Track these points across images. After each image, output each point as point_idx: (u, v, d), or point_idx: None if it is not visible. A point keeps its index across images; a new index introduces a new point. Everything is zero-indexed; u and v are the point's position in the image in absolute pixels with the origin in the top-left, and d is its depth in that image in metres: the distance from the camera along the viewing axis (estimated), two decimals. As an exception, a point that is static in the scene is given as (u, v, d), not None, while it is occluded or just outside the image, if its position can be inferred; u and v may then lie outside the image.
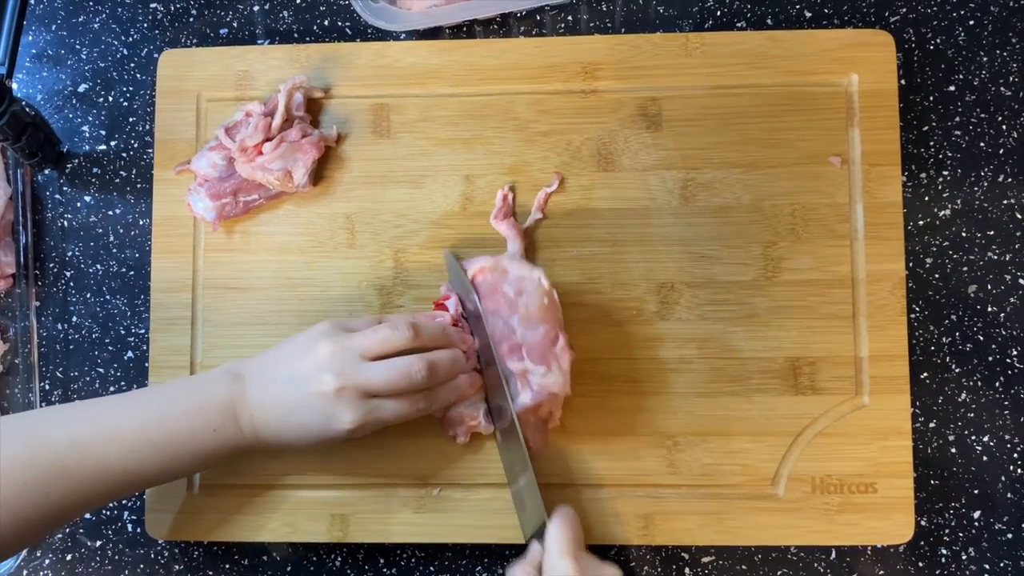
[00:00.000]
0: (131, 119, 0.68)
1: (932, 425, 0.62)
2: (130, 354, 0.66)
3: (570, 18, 0.67)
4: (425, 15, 0.64)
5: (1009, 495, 0.62)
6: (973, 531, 0.62)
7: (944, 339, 0.63)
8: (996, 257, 0.64)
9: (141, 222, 0.67)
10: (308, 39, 0.68)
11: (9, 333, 0.66)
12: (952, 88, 0.65)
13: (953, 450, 0.62)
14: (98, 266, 0.67)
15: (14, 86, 0.67)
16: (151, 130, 0.67)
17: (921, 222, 0.64)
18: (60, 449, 0.49)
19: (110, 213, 0.67)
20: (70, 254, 0.67)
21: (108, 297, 0.66)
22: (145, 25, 0.69)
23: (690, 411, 0.61)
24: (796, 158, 0.62)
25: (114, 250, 0.67)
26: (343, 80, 0.65)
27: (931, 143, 0.65)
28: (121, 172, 0.68)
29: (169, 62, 0.66)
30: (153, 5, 0.69)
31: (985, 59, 0.65)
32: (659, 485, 0.60)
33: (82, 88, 0.69)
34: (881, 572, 0.61)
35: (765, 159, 0.62)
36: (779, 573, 0.62)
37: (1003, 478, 0.62)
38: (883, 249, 0.61)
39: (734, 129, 0.63)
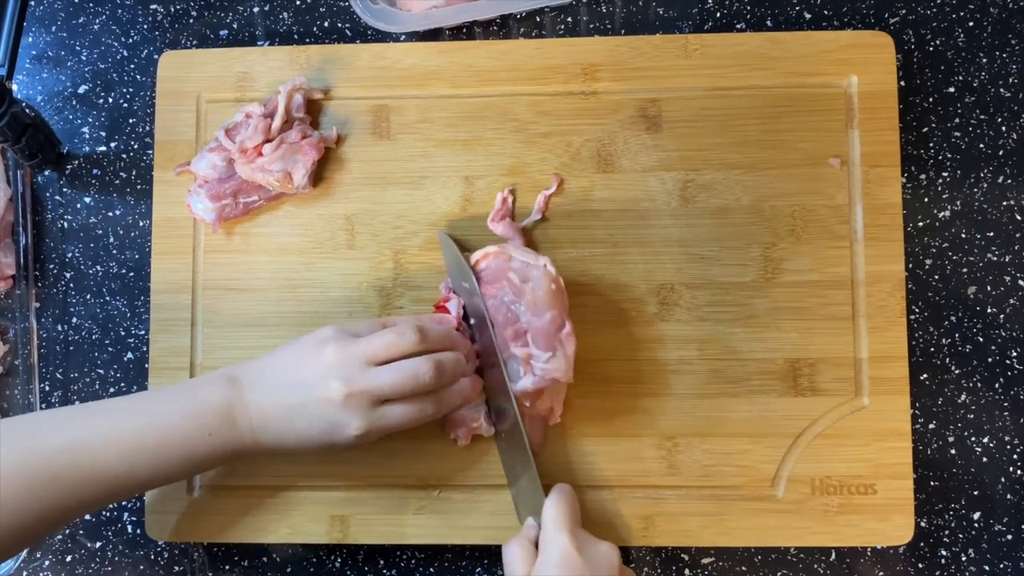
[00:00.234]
0: (131, 120, 0.68)
1: (932, 426, 0.62)
2: (130, 355, 0.66)
3: (570, 20, 0.67)
4: (425, 16, 0.64)
5: (1009, 496, 0.62)
6: (973, 532, 0.62)
7: (944, 340, 0.63)
8: (996, 258, 0.64)
9: (141, 223, 0.67)
10: (308, 40, 0.68)
11: (9, 334, 0.66)
12: (951, 89, 0.65)
13: (953, 451, 0.62)
14: (98, 267, 0.67)
15: (14, 87, 0.67)
16: (151, 131, 0.67)
17: (921, 223, 0.64)
18: (52, 454, 0.49)
19: (110, 214, 0.67)
20: (70, 255, 0.67)
21: (108, 298, 0.66)
22: (145, 26, 0.69)
23: (690, 412, 0.61)
24: (796, 159, 0.62)
25: (114, 251, 0.67)
26: (343, 81, 0.65)
27: (931, 144, 0.65)
28: (121, 173, 0.68)
29: (169, 63, 0.66)
30: (153, 6, 0.69)
31: (984, 61, 0.65)
32: (659, 486, 0.60)
33: (82, 89, 0.69)
34: (881, 573, 0.61)
35: (765, 160, 0.62)
36: (779, 574, 0.62)
37: (1003, 479, 0.62)
38: (883, 250, 0.61)
39: (734, 130, 0.63)
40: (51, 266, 0.67)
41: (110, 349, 0.66)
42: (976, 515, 0.62)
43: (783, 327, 0.61)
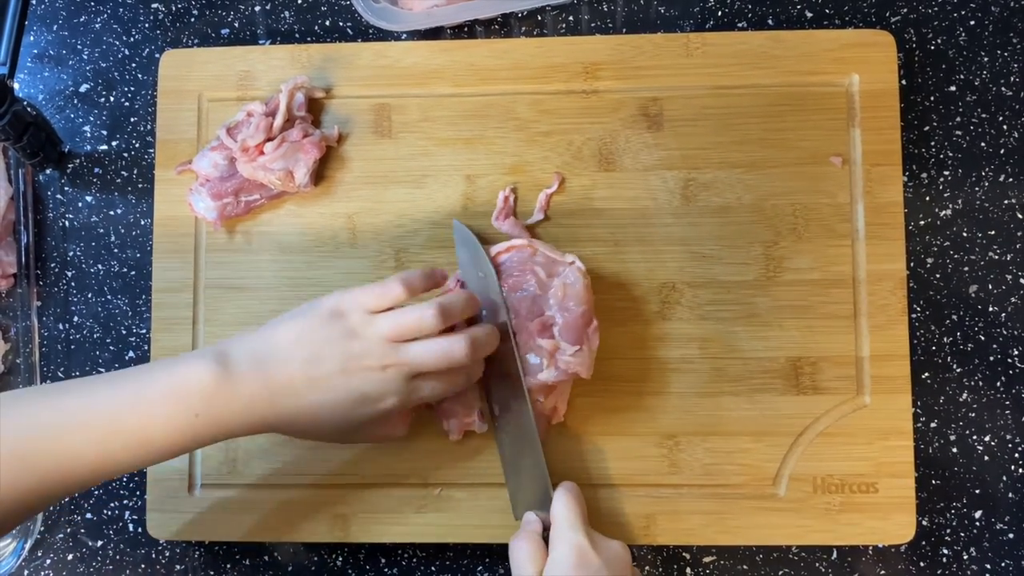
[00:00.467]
0: (132, 119, 0.68)
1: (933, 425, 0.62)
2: (131, 354, 0.66)
3: (571, 18, 0.67)
4: (426, 15, 0.64)
5: (1010, 495, 0.62)
6: (974, 531, 0.62)
7: (945, 339, 0.63)
8: (997, 257, 0.64)
9: (142, 222, 0.67)
10: (309, 39, 0.68)
11: (10, 333, 0.66)
12: (953, 88, 0.65)
13: (954, 450, 0.62)
14: (99, 266, 0.67)
15: (16, 86, 0.67)
16: (152, 130, 0.67)
17: (922, 222, 0.64)
18: (20, 439, 0.46)
19: (111, 213, 0.67)
20: (71, 254, 0.67)
21: (109, 297, 0.66)
22: (146, 25, 0.69)
23: (691, 410, 0.61)
24: (797, 158, 0.62)
25: (115, 250, 0.67)
26: (344, 80, 0.65)
27: (932, 143, 0.65)
28: (122, 172, 0.68)
29: (170, 62, 0.66)
30: (155, 5, 0.69)
31: (986, 59, 0.65)
32: (660, 485, 0.60)
33: (83, 88, 0.69)
34: (882, 572, 0.61)
35: (766, 159, 0.62)
36: (780, 573, 0.62)
37: (1004, 478, 0.62)
38: (884, 249, 0.61)
39: (735, 129, 0.63)
40: (52, 265, 0.67)
41: (111, 348, 0.66)
42: (978, 514, 0.62)
43: (785, 325, 0.61)
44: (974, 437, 0.62)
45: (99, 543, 0.64)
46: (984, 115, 0.65)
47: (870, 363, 0.61)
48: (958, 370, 0.63)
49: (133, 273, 0.66)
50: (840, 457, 0.60)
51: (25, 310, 0.66)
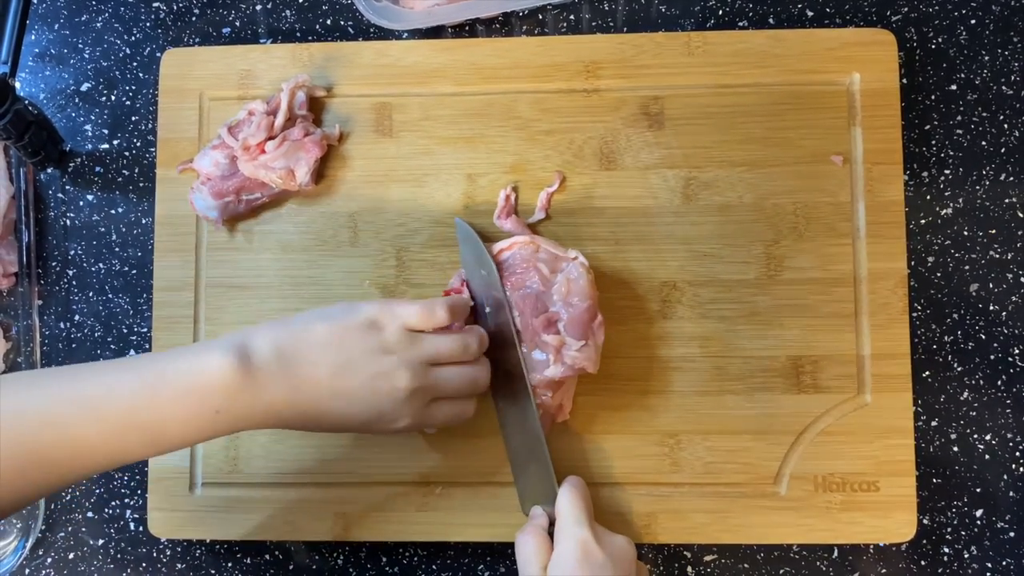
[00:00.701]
0: (134, 118, 0.68)
1: (934, 424, 0.62)
2: (132, 353, 0.66)
3: (572, 17, 0.67)
4: (427, 14, 0.64)
5: (1011, 494, 0.62)
6: (975, 530, 0.62)
7: (946, 338, 0.63)
8: (998, 256, 0.64)
9: (144, 221, 0.67)
10: (310, 38, 0.68)
11: (12, 332, 0.66)
12: (954, 87, 0.65)
13: (955, 449, 0.62)
14: (100, 265, 0.67)
15: (17, 85, 0.67)
16: (154, 129, 0.67)
17: (923, 221, 0.64)
18: (34, 429, 0.45)
19: (112, 212, 0.67)
20: (72, 253, 0.67)
21: (110, 296, 0.66)
22: (148, 24, 0.69)
23: (692, 409, 0.61)
24: (798, 157, 0.62)
25: (116, 249, 0.67)
26: (345, 79, 0.65)
27: (933, 142, 0.65)
28: (124, 171, 0.68)
29: (172, 61, 0.66)
30: (156, 4, 0.69)
31: (987, 58, 0.65)
32: (661, 484, 0.60)
33: (85, 87, 0.69)
34: (883, 570, 0.61)
35: (767, 158, 0.62)
36: (781, 571, 0.62)
37: (1005, 477, 0.62)
38: (885, 248, 0.61)
39: (736, 128, 0.63)
40: (54, 264, 0.67)
41: (113, 347, 0.66)
42: (978, 512, 0.62)
43: (786, 324, 0.61)
44: (975, 436, 0.62)
45: (100, 542, 0.65)
46: (985, 114, 0.65)
47: (871, 362, 0.61)
48: (959, 369, 0.63)
49: (134, 272, 0.66)
50: (841, 456, 0.60)
51: (26, 309, 0.66)
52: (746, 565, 0.62)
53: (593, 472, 0.60)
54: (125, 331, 0.66)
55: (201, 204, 0.63)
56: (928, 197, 0.64)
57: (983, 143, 0.65)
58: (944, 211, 0.64)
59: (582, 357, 0.56)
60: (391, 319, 0.52)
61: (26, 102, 0.62)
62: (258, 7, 0.69)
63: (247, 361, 0.48)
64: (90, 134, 0.68)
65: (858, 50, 0.63)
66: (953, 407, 0.62)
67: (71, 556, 0.64)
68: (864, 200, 0.62)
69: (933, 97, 0.65)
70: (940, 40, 0.66)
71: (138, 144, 0.68)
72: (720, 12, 0.67)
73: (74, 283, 0.67)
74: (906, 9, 0.66)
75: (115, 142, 0.68)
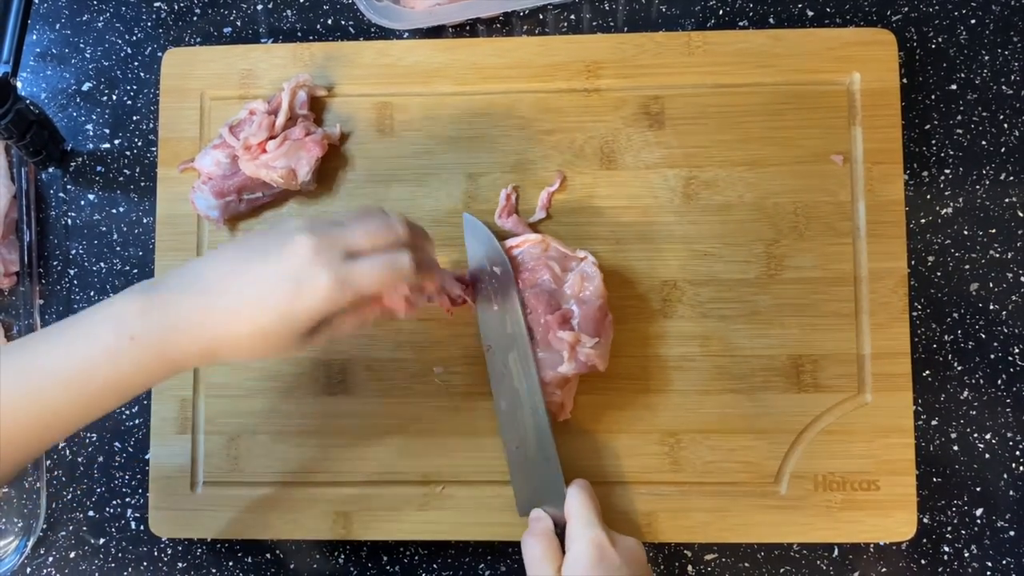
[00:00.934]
0: (135, 117, 0.68)
1: (934, 423, 0.63)
2: (134, 352, 0.66)
3: (573, 17, 0.67)
4: (428, 14, 0.65)
5: (1011, 493, 0.62)
6: (975, 529, 0.62)
7: (946, 337, 0.63)
8: (998, 255, 0.64)
9: (145, 220, 0.67)
10: (311, 38, 0.68)
11: (13, 331, 0.66)
12: (954, 87, 0.65)
13: (955, 448, 0.62)
14: (102, 264, 0.67)
15: (19, 85, 0.67)
16: (155, 128, 0.67)
17: (923, 220, 0.64)
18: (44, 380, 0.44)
19: (114, 211, 0.67)
20: (74, 252, 0.67)
21: (112, 295, 0.66)
22: (149, 24, 0.69)
23: (693, 408, 0.61)
24: (798, 156, 0.62)
25: (118, 248, 0.67)
26: (346, 78, 0.65)
27: (933, 141, 0.65)
28: (125, 170, 0.68)
29: (173, 61, 0.66)
30: (157, 4, 0.70)
31: (987, 58, 0.65)
32: (662, 483, 0.60)
33: (86, 87, 0.69)
34: (883, 569, 0.61)
35: (767, 157, 0.63)
36: (782, 570, 0.62)
37: (1005, 476, 0.62)
38: (885, 247, 0.62)
39: (736, 127, 0.63)
40: (55, 263, 0.67)
41: (114, 346, 0.66)
42: (979, 511, 0.62)
43: (786, 323, 0.61)
44: (975, 435, 0.62)
45: (101, 541, 0.65)
46: (985, 113, 0.65)
47: (871, 361, 0.61)
48: (959, 368, 0.63)
49: (136, 271, 0.67)
50: (841, 455, 0.60)
51: (28, 308, 0.66)
52: (746, 564, 0.62)
53: (594, 471, 0.60)
54: (126, 330, 0.66)
55: (202, 203, 0.63)
56: (928, 196, 0.64)
57: (983, 143, 0.65)
58: (944, 210, 0.64)
59: (595, 354, 0.57)
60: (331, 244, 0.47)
61: (28, 102, 0.62)
62: (259, 7, 0.69)
63: (150, 286, 0.47)
64: (91, 134, 0.68)
65: (858, 50, 0.63)
66: (953, 406, 0.63)
67: (72, 555, 0.64)
68: (864, 199, 0.62)
69: (933, 97, 0.65)
70: (940, 40, 0.66)
71: (139, 144, 0.68)
72: (720, 12, 0.67)
73: (75, 282, 0.67)
74: (906, 9, 0.66)
75: (116, 142, 0.68)
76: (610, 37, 0.64)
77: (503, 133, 0.64)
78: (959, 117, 0.65)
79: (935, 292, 0.64)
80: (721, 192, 0.62)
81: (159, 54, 0.68)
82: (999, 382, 0.63)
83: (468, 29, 0.67)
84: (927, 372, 0.63)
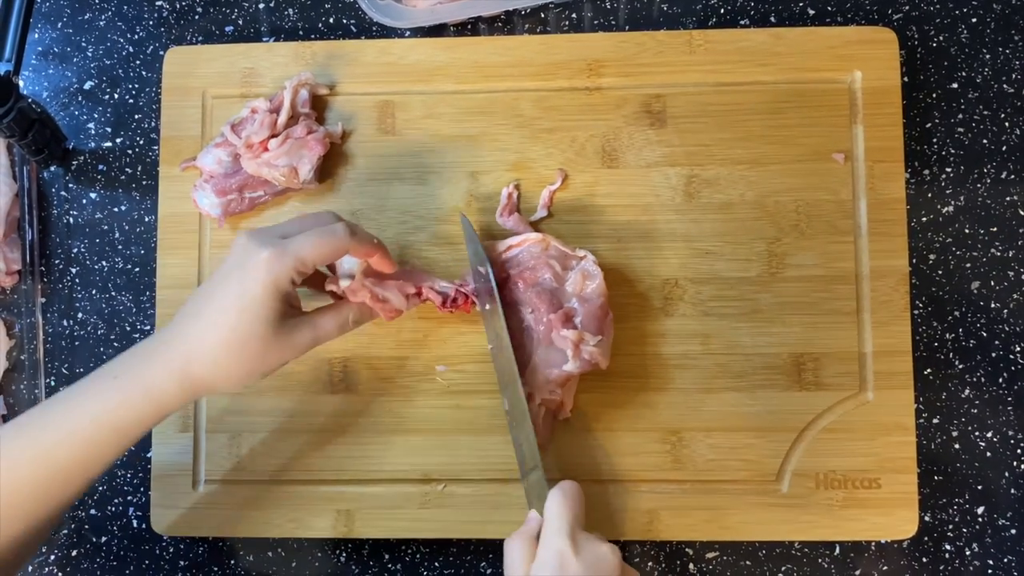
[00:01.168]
0: (137, 116, 0.68)
1: (935, 421, 0.63)
2: (135, 350, 0.66)
3: (574, 15, 0.67)
4: (430, 12, 0.65)
5: (1012, 491, 0.62)
6: (977, 527, 0.62)
7: (947, 335, 0.63)
8: (999, 254, 0.64)
9: (147, 219, 0.67)
10: (313, 36, 0.68)
11: (15, 329, 0.66)
12: (955, 85, 0.65)
13: (956, 446, 0.62)
14: (104, 262, 0.67)
15: (21, 83, 0.67)
16: (157, 127, 0.67)
17: (924, 218, 0.64)
18: (51, 446, 0.48)
19: (116, 210, 0.67)
20: (76, 250, 0.67)
21: (114, 293, 0.67)
22: (151, 22, 0.69)
23: (694, 407, 0.61)
24: (799, 155, 0.63)
25: (120, 247, 0.67)
26: (348, 77, 0.65)
27: (934, 140, 0.65)
28: (127, 169, 0.68)
29: (175, 59, 0.66)
30: (159, 3, 0.70)
31: (988, 56, 0.65)
32: (663, 481, 0.61)
33: (88, 85, 0.69)
34: (885, 567, 0.62)
35: (769, 156, 0.63)
36: (783, 569, 0.62)
37: (1006, 474, 0.62)
38: (886, 245, 0.62)
39: (738, 126, 0.63)
40: (57, 261, 0.67)
41: (115, 344, 0.66)
42: (980, 510, 0.62)
43: (787, 322, 0.61)
44: (976, 433, 0.62)
45: (103, 539, 0.65)
46: (986, 112, 0.65)
47: (873, 359, 0.61)
48: (960, 366, 0.63)
49: (137, 270, 0.67)
50: (843, 453, 0.60)
51: (30, 307, 0.66)
52: (748, 562, 0.62)
53: (595, 469, 0.61)
54: (128, 329, 0.66)
55: (204, 202, 0.63)
56: (929, 195, 0.64)
57: (984, 141, 0.65)
58: (945, 209, 0.64)
59: (598, 352, 0.57)
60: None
61: (29, 100, 0.62)
62: (261, 5, 0.69)
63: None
64: (93, 132, 0.68)
65: (859, 48, 0.63)
66: (954, 404, 0.63)
67: (74, 553, 0.65)
68: (866, 198, 0.62)
69: (934, 95, 0.65)
70: (941, 38, 0.66)
71: (141, 142, 0.68)
72: (722, 10, 0.67)
73: (77, 281, 0.67)
74: (907, 7, 0.66)
75: (118, 140, 0.68)
76: (611, 36, 0.64)
77: (504, 131, 0.64)
78: (960, 116, 0.65)
79: (936, 290, 0.64)
80: (722, 190, 0.62)
81: (161, 53, 0.68)
82: (1000, 380, 0.63)
83: (470, 27, 0.68)
84: (928, 370, 0.63)
